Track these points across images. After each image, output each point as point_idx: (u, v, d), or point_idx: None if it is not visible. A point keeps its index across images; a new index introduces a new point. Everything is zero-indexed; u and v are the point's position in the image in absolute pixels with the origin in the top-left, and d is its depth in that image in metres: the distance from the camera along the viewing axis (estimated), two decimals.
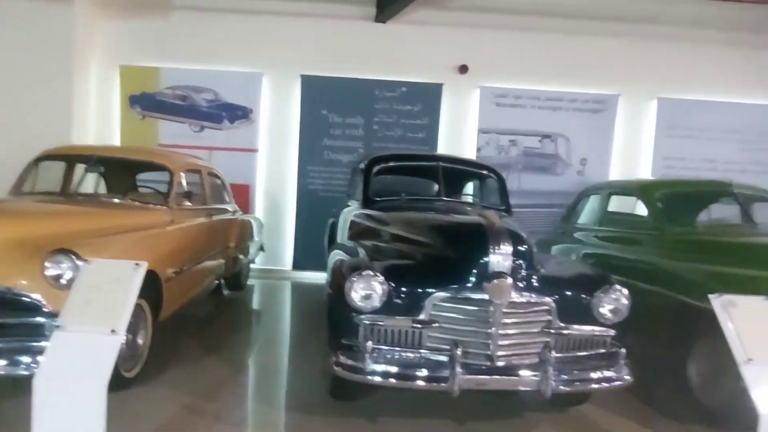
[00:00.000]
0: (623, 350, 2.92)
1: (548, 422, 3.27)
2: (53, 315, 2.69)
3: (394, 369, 2.70)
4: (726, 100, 7.59)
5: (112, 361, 2.02)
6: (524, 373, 2.75)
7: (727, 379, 3.20)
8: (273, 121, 7.49)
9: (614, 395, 3.34)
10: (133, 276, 2.19)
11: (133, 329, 3.22)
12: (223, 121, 7.39)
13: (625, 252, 4.67)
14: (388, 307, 2.77)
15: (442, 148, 7.43)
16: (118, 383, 3.00)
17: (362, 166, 4.61)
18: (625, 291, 2.99)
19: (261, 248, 6.73)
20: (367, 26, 7.41)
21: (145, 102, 7.37)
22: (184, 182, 4.41)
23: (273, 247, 7.38)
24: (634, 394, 3.38)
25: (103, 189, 5.16)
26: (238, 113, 7.41)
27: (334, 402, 3.30)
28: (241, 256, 5.71)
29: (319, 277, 7.10)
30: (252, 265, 6.72)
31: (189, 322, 4.80)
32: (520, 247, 2.86)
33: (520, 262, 2.84)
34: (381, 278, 2.75)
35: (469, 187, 5.08)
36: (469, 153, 7.47)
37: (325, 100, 7.39)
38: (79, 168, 4.71)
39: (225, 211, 5.41)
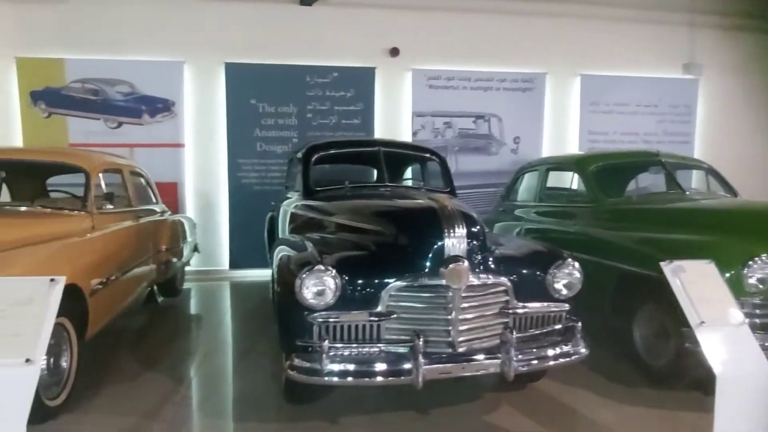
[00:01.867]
0: (579, 324, 2.93)
1: (508, 402, 3.26)
2: None
3: (352, 367, 2.54)
4: (640, 75, 7.95)
5: (30, 395, 1.74)
6: (486, 356, 2.69)
7: (672, 340, 3.32)
8: (198, 113, 7.05)
9: (567, 367, 3.35)
10: (49, 293, 1.89)
11: (55, 351, 2.88)
12: (143, 115, 6.87)
13: (565, 225, 4.76)
14: (342, 302, 2.61)
15: (379, 134, 7.31)
16: (41, 415, 2.68)
17: (300, 155, 4.39)
18: (577, 265, 2.99)
19: (195, 249, 6.34)
20: (292, 9, 7.10)
21: (50, 98, 6.72)
22: (102, 184, 4.01)
23: (208, 247, 6.99)
24: (585, 364, 3.41)
25: (5, 197, 4.65)
26: (159, 106, 6.91)
27: (290, 406, 3.12)
28: (175, 260, 5.32)
29: (259, 275, 6.87)
30: (187, 268, 6.32)
31: (121, 337, 4.40)
32: (473, 229, 2.78)
33: (475, 243, 2.76)
34: (333, 272, 2.58)
35: (411, 172, 4.97)
36: (406, 137, 7.39)
37: (253, 89, 7.04)
38: None
39: (153, 212, 5.01)
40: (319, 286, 2.56)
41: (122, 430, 2.83)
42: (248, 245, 7.10)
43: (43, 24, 6.68)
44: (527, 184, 5.78)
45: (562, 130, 7.85)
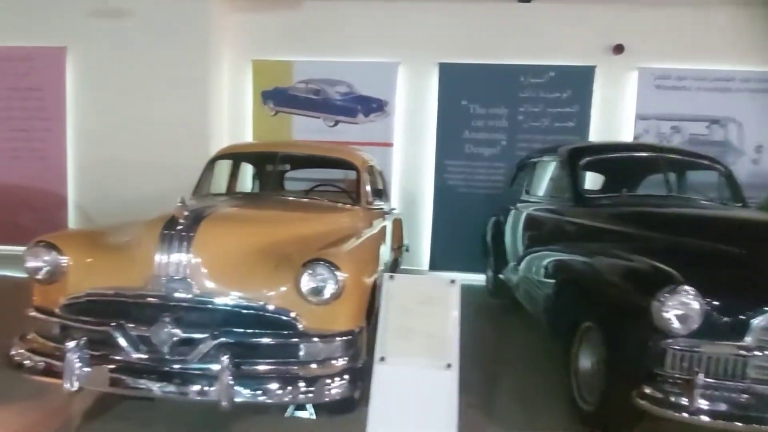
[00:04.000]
0: None
1: None
2: (305, 335, 2.38)
3: (725, 407, 2.19)
4: None
5: (455, 401, 1.64)
6: None
7: None
8: (409, 113, 7.10)
9: None
10: (449, 294, 1.81)
11: None
12: (358, 114, 7.09)
13: None
14: (702, 330, 2.25)
15: (595, 138, 6.78)
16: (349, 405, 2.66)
17: (563, 159, 4.08)
18: None
19: (406, 249, 6.36)
20: (509, 7, 6.84)
21: (278, 97, 7.20)
22: (368, 180, 4.09)
23: (410, 246, 7.01)
24: None
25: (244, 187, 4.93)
26: (374, 106, 7.08)
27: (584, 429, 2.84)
28: (400, 258, 5.35)
29: (459, 278, 6.72)
30: None
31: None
32: None
33: None
34: (696, 293, 2.24)
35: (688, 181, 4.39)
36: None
37: (464, 90, 6.92)
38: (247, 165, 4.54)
39: (389, 210, 5.06)
40: (681, 310, 2.24)
41: None
42: (449, 247, 7.03)
43: (276, 30, 7.18)
44: None
45: None
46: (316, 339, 2.37)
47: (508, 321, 5.05)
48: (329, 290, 2.33)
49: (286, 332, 2.38)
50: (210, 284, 2.39)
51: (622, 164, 4.09)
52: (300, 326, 2.38)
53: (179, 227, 2.44)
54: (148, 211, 4.01)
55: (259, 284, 2.41)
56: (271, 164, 4.16)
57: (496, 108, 6.91)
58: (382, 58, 7.02)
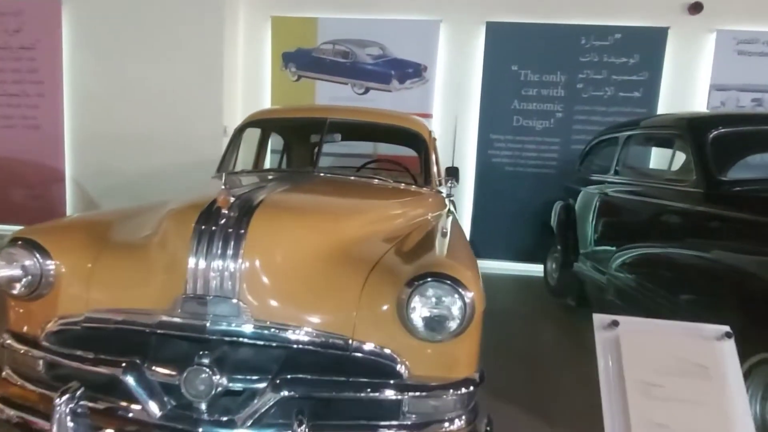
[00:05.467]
0: None
1: None
2: (410, 386, 1.61)
3: None
4: None
5: None
6: None
7: None
8: (450, 79, 6.23)
9: None
10: (724, 357, 1.03)
11: None
12: (392, 80, 6.23)
13: None
14: None
15: (664, 110, 5.94)
16: None
17: (677, 132, 3.28)
18: None
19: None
20: None
21: (301, 60, 6.32)
22: (434, 154, 3.28)
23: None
24: None
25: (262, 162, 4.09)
26: (410, 71, 6.21)
27: None
28: None
29: (503, 268, 6.08)
30: None
31: None
32: None
33: None
34: None
35: None
36: None
37: (515, 53, 6.04)
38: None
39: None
40: None
41: None
42: (493, 232, 6.27)
43: None
44: None
45: None
46: (424, 392, 1.60)
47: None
48: (456, 320, 1.55)
49: (383, 381, 1.60)
50: (269, 307, 1.60)
51: (763, 140, 3.28)
52: (404, 372, 1.60)
53: (222, 220, 1.64)
54: (155, 188, 3.24)
55: (340, 308, 1.63)
56: (316, 134, 3.33)
57: (551, 74, 6.04)
58: (421, 16, 6.13)
